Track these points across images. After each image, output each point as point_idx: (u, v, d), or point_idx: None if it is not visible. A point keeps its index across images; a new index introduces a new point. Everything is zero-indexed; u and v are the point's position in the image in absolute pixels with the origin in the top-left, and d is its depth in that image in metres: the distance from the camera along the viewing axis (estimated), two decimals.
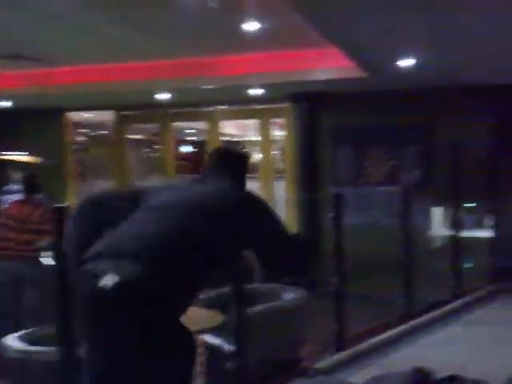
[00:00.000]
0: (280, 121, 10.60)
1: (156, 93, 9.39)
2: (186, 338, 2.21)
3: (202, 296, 3.92)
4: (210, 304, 4.67)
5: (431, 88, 8.40)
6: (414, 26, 5.26)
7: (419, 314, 6.09)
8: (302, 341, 6.00)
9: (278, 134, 11.07)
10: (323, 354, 5.13)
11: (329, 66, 7.37)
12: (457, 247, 7.38)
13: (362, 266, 7.64)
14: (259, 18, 5.86)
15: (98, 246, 2.22)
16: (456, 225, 7.44)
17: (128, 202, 2.42)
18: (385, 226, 8.56)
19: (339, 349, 5.08)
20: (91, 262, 2.15)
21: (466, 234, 7.59)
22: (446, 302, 6.63)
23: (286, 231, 2.43)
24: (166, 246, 2.16)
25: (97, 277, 2.05)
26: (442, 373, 3.44)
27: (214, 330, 4.42)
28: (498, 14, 4.87)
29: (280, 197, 10.29)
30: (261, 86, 8.76)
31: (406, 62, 6.62)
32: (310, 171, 9.60)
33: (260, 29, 6.15)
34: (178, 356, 2.14)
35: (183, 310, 2.24)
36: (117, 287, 1.99)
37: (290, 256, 2.41)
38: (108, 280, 2.01)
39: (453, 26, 5.33)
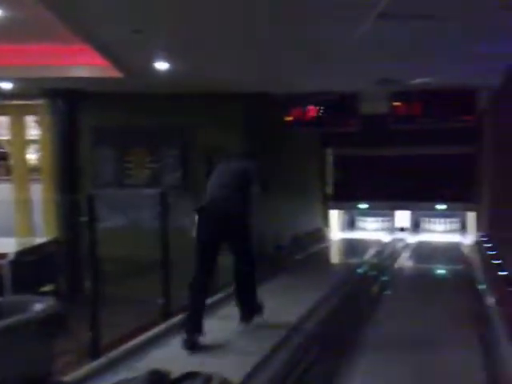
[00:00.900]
0: (36, 118, 9.91)
1: None
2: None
3: None
4: None
5: (190, 93, 8.73)
6: (164, 30, 5.38)
7: (178, 313, 6.26)
8: (55, 353, 5.65)
9: (36, 132, 10.34)
10: (77, 365, 4.92)
11: (84, 63, 7.13)
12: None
13: (125, 268, 7.56)
14: (2, 6, 5.37)
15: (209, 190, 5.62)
16: None
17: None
18: (148, 227, 8.61)
19: (94, 356, 4.92)
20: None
21: None
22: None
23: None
24: (233, 187, 5.49)
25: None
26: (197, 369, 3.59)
27: None
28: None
29: (37, 199, 9.66)
30: (10, 80, 8.05)
31: (161, 66, 6.74)
32: (69, 172, 9.19)
33: (5, 18, 5.63)
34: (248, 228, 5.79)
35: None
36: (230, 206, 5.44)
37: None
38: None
39: (203, 35, 5.60)
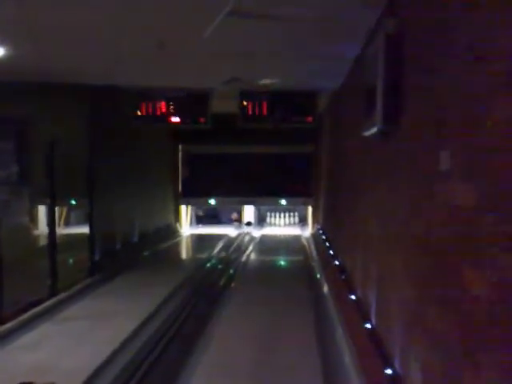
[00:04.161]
0: None
1: None
2: None
3: None
4: None
5: (29, 83, 8.07)
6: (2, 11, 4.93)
7: (12, 317, 5.81)
8: None
9: None
10: None
11: None
12: (53, 245, 7.33)
13: None
14: None
15: None
16: (52, 222, 7.40)
17: None
18: None
19: None
20: None
21: (64, 231, 7.66)
22: (41, 301, 6.54)
23: None
24: None
25: None
26: (34, 375, 3.37)
27: None
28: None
29: None
30: None
31: None
32: None
33: None
34: None
35: None
36: None
37: None
38: None
39: (47, 19, 5.24)
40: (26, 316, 5.95)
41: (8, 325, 5.61)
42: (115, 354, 4.89)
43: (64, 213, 12.73)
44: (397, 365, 3.83)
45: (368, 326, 4.94)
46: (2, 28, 5.49)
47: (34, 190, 8.48)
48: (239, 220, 18.16)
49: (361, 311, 5.42)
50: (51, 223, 7.33)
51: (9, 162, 8.23)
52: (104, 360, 4.66)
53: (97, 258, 8.58)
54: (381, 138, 4.46)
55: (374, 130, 4.31)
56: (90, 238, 8.49)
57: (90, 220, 8.53)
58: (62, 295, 6.93)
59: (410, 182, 3.62)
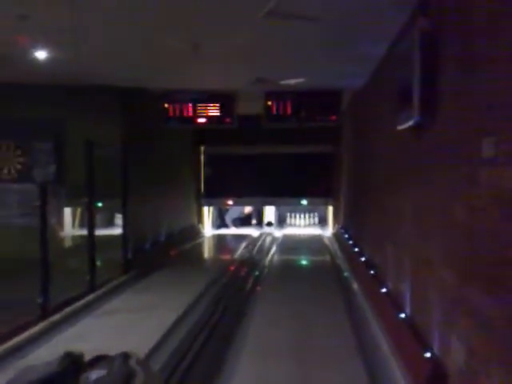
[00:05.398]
0: None
1: None
2: None
3: None
4: None
5: (65, 84, 8.36)
6: (49, 16, 5.17)
7: (57, 310, 6.06)
8: None
9: None
10: None
11: None
12: (92, 243, 7.57)
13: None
14: None
15: None
16: (91, 221, 7.64)
17: None
18: (21, 225, 8.13)
19: None
20: None
21: (97, 231, 7.86)
22: (82, 296, 6.79)
23: None
24: None
25: None
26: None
27: None
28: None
29: None
30: None
31: (40, 55, 6.45)
32: None
33: None
34: None
35: None
36: None
37: None
38: None
39: (90, 24, 5.48)
40: (69, 309, 6.20)
41: (54, 317, 5.85)
42: (165, 337, 5.16)
43: (79, 214, 12.89)
44: (436, 348, 3.97)
45: (402, 315, 5.09)
46: (48, 33, 5.75)
47: (68, 191, 8.73)
48: (251, 216, 18.44)
49: (394, 303, 5.57)
50: (90, 222, 7.57)
51: (47, 163, 8.51)
52: (156, 343, 4.93)
53: (130, 256, 8.81)
54: (416, 130, 4.62)
55: (410, 123, 4.46)
56: (124, 236, 8.73)
57: (123, 219, 8.78)
58: (101, 291, 7.18)
59: (449, 171, 3.76)
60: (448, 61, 3.87)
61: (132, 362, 2.95)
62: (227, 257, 11.91)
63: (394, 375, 4.37)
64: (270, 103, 9.69)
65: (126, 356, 2.92)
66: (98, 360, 2.96)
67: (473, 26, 3.25)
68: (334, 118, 9.85)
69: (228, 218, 18.58)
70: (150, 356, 4.56)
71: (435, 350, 3.97)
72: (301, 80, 8.70)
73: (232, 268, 10.23)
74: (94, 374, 2.78)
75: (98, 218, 14.55)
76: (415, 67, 4.21)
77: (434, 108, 4.09)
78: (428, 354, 4.03)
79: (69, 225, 12.98)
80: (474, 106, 3.22)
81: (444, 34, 3.97)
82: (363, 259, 8.26)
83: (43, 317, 5.79)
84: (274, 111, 9.75)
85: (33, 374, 2.64)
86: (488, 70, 2.97)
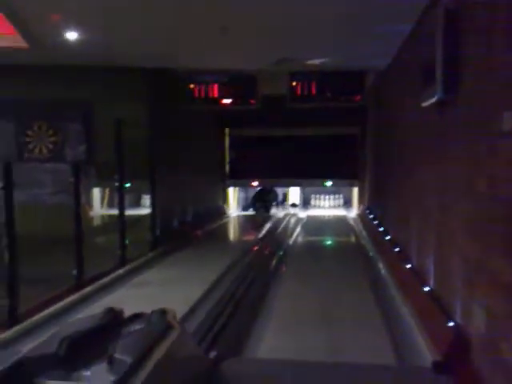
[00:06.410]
0: None
1: None
2: None
3: None
4: None
5: (92, 66, 8.55)
6: None
7: (91, 282, 6.34)
8: None
9: None
10: None
11: None
12: (122, 221, 7.82)
13: (34, 243, 7.34)
14: None
15: None
16: (121, 201, 7.89)
17: None
18: (53, 203, 8.44)
19: (12, 324, 4.92)
20: None
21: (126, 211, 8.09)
22: (113, 270, 7.08)
23: None
24: None
25: None
26: None
27: None
28: None
29: None
30: None
31: (71, 36, 6.63)
32: None
33: None
34: None
35: None
36: None
37: None
38: None
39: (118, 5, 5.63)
40: (102, 281, 6.49)
41: (88, 288, 6.14)
42: (199, 301, 5.53)
43: (107, 195, 13.19)
44: (459, 317, 4.09)
45: (426, 289, 5.20)
46: (79, 14, 5.93)
47: (97, 171, 8.98)
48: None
49: (418, 277, 5.69)
50: (120, 200, 7.82)
51: (78, 143, 8.77)
52: (188, 309, 5.22)
53: (157, 233, 9.06)
54: (440, 107, 4.69)
55: (433, 100, 4.54)
56: (152, 215, 8.98)
57: (151, 199, 9.01)
58: (131, 265, 7.46)
59: (471, 145, 3.85)
60: (470, 38, 3.93)
61: (170, 317, 3.18)
62: (251, 237, 12.08)
63: (419, 343, 4.53)
64: (294, 84, 9.77)
65: (163, 311, 3.16)
66: (137, 316, 3.19)
67: (496, 3, 3.32)
68: (358, 98, 9.90)
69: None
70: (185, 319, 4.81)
71: (458, 319, 4.10)
72: (325, 60, 8.74)
73: (256, 248, 10.41)
74: (134, 326, 3.01)
75: (126, 198, 14.89)
76: (438, 45, 4.28)
77: (456, 84, 4.16)
78: (451, 323, 4.16)
79: (97, 205, 13.31)
80: (495, 82, 3.29)
81: (467, 12, 4.03)
82: (388, 238, 8.36)
83: (80, 286, 6.08)
84: (299, 92, 9.84)
85: (79, 325, 2.88)
86: (509, 45, 3.05)
